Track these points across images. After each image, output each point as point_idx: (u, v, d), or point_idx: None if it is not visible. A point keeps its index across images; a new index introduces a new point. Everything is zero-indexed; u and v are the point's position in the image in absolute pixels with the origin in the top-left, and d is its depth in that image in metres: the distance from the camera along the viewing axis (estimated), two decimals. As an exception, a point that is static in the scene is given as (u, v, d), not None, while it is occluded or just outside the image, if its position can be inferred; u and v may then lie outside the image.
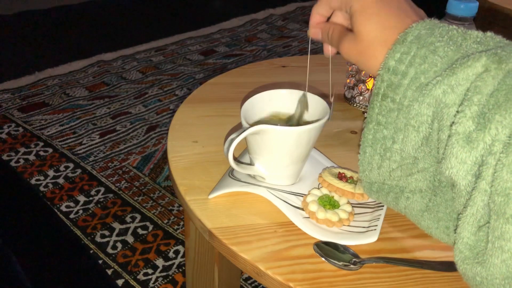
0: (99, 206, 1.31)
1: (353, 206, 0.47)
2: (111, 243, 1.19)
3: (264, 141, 0.45)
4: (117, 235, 1.22)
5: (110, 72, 2.06)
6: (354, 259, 0.42)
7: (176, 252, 1.18)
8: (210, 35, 2.51)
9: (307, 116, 0.49)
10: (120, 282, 1.09)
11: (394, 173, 0.39)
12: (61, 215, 1.27)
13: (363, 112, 0.68)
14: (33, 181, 1.39)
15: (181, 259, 1.16)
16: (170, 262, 1.15)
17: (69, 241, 1.20)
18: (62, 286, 1.08)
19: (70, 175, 1.43)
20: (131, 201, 1.34)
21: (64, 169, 1.45)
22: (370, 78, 0.67)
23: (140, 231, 1.24)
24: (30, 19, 2.59)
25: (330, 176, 0.48)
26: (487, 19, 1.30)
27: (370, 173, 0.41)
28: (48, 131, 1.63)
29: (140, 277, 1.11)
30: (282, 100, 0.50)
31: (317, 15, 0.45)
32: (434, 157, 0.37)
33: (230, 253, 0.43)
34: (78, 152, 1.53)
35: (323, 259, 0.42)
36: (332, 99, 0.47)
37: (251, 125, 0.43)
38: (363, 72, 0.68)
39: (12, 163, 1.46)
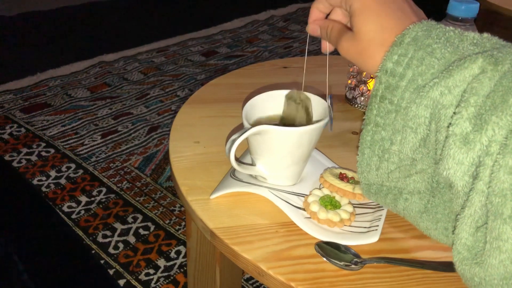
0: (101, 206, 1.32)
1: (354, 207, 0.47)
2: (112, 244, 1.20)
3: (265, 142, 0.45)
4: (119, 236, 1.22)
5: (112, 73, 2.07)
6: (355, 259, 0.42)
7: (178, 253, 1.18)
8: (211, 36, 2.51)
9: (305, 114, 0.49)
10: (121, 282, 1.09)
11: (392, 175, 0.40)
12: (63, 216, 1.28)
13: (364, 113, 0.68)
14: (35, 182, 1.40)
15: (183, 260, 1.16)
16: (171, 263, 1.15)
17: (71, 241, 1.21)
18: (64, 286, 1.08)
19: (72, 175, 1.43)
20: (132, 201, 1.34)
21: (66, 169, 1.45)
22: (371, 79, 0.68)
23: (141, 231, 1.24)
24: (32, 20, 2.60)
25: (331, 177, 0.49)
26: (488, 20, 1.30)
27: (368, 174, 0.41)
28: (50, 132, 1.63)
29: (142, 277, 1.11)
30: (284, 101, 0.50)
31: (316, 11, 0.45)
32: (432, 159, 0.37)
33: (232, 253, 0.43)
34: (80, 152, 1.54)
35: (324, 259, 0.42)
36: (328, 101, 0.47)
37: (253, 126, 0.43)
38: (364, 73, 0.68)
39: (14, 164, 1.47)
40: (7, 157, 1.49)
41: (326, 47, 0.45)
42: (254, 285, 1.11)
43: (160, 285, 1.09)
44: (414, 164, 0.38)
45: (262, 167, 0.47)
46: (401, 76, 0.36)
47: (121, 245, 1.19)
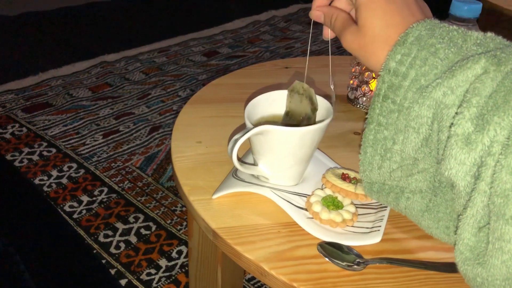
0: (103, 206, 1.32)
1: (356, 207, 0.47)
2: (114, 243, 1.20)
3: (267, 142, 0.45)
4: (120, 235, 1.22)
5: (113, 73, 2.07)
6: (357, 260, 0.42)
7: (179, 252, 1.18)
8: (213, 37, 2.51)
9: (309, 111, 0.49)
10: (123, 282, 1.09)
11: (394, 174, 0.39)
12: (64, 215, 1.28)
13: (366, 113, 0.68)
14: (36, 181, 1.40)
15: (184, 259, 1.16)
16: (173, 262, 1.15)
17: (73, 241, 1.21)
18: (66, 286, 1.08)
19: (73, 175, 1.43)
20: (134, 201, 1.34)
21: (67, 169, 1.46)
22: (373, 79, 0.68)
23: (143, 231, 1.24)
24: (33, 20, 2.60)
25: (333, 177, 0.49)
26: (491, 21, 1.30)
27: (370, 173, 0.41)
28: (52, 132, 1.64)
29: (143, 277, 1.11)
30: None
31: None
32: (434, 158, 0.37)
33: (234, 253, 0.43)
34: (82, 152, 1.54)
35: (327, 259, 0.42)
36: (332, 87, 0.47)
37: (255, 126, 0.43)
38: (367, 73, 0.68)
39: (16, 163, 1.47)
40: (8, 157, 1.50)
41: (328, 34, 0.45)
42: (256, 285, 1.11)
43: (162, 285, 1.09)
44: (416, 164, 0.38)
45: (264, 167, 0.47)
46: (404, 76, 0.36)
47: (122, 245, 1.19)
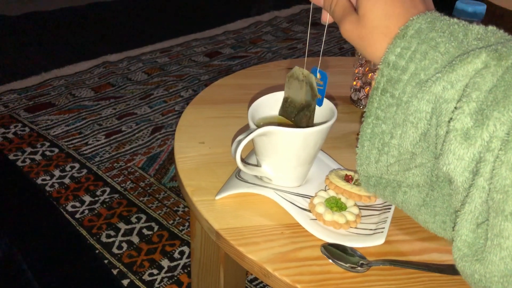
0: (105, 206, 1.32)
1: (360, 208, 0.47)
2: (116, 243, 1.20)
3: (271, 143, 0.45)
4: (123, 236, 1.22)
5: (115, 73, 2.07)
6: (361, 261, 0.42)
7: (181, 253, 1.18)
8: (215, 37, 2.51)
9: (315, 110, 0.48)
10: (125, 282, 1.10)
11: (391, 168, 0.39)
12: (66, 215, 1.28)
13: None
14: (39, 181, 1.40)
15: (186, 260, 1.16)
16: (175, 263, 1.15)
17: (75, 241, 1.21)
18: (68, 286, 1.08)
19: (76, 175, 1.43)
20: (136, 201, 1.34)
21: (70, 169, 1.46)
22: (376, 81, 0.67)
23: (145, 231, 1.24)
24: (36, 20, 2.61)
25: (337, 178, 0.49)
26: (495, 22, 1.29)
27: (367, 167, 0.41)
28: (54, 131, 1.64)
29: (146, 277, 1.11)
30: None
31: None
32: (432, 153, 0.36)
33: (237, 254, 0.43)
34: (84, 152, 1.54)
35: (330, 261, 0.42)
36: (317, 75, 0.45)
37: (258, 127, 0.43)
38: (370, 74, 0.68)
39: (19, 163, 1.47)
40: (11, 156, 1.50)
41: (326, 18, 0.44)
42: (258, 286, 1.11)
43: (164, 285, 1.09)
44: (413, 158, 0.38)
45: (267, 168, 0.47)
46: (403, 70, 0.36)
47: (124, 245, 1.19)
